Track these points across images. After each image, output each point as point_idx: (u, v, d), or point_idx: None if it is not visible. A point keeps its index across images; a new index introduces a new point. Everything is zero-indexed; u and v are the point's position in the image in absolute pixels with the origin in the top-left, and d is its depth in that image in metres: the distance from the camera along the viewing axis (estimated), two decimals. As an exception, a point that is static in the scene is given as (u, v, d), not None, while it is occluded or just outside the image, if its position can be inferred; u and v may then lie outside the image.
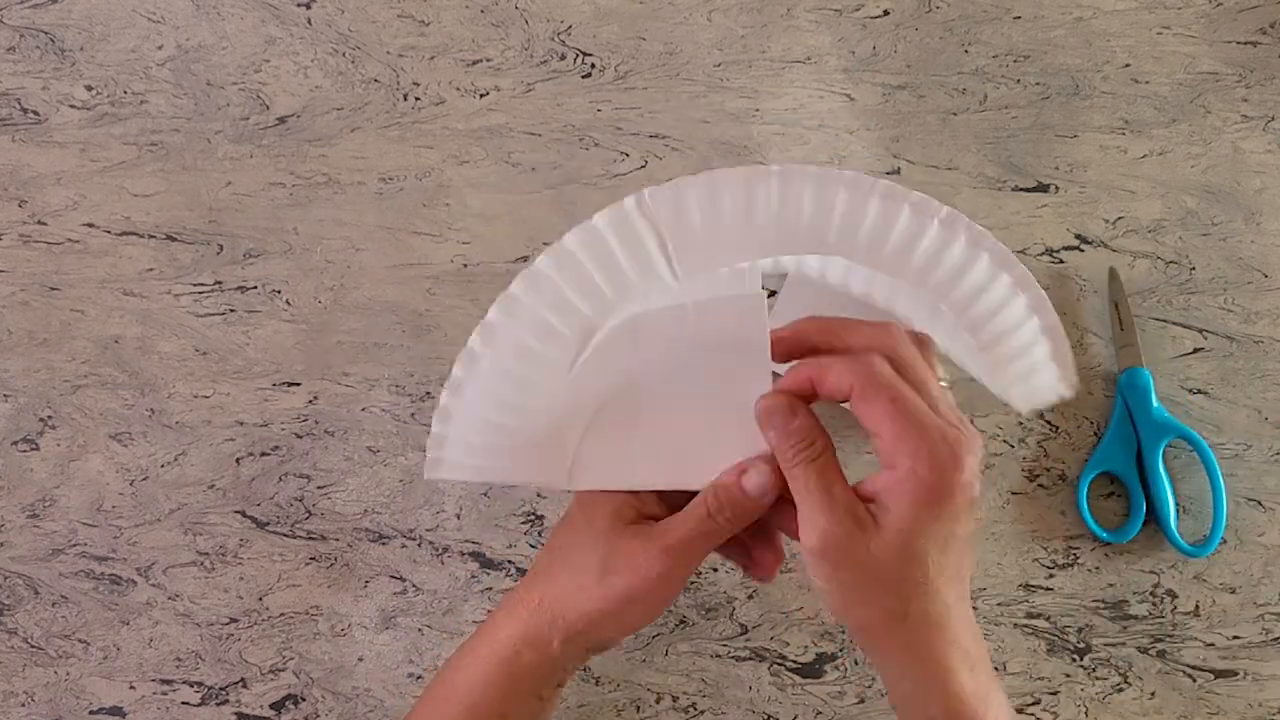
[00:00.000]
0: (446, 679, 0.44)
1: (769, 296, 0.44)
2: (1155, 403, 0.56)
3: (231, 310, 0.59)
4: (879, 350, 0.38)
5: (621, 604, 0.41)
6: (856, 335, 0.39)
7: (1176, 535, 0.54)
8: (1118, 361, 0.57)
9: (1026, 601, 0.55)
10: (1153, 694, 0.54)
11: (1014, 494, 0.56)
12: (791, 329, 0.40)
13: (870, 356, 0.38)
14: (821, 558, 0.38)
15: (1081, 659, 0.55)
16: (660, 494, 0.43)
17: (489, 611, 0.49)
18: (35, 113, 0.61)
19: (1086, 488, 0.55)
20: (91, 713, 0.55)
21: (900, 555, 0.37)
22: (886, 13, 0.62)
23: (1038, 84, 0.61)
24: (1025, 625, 0.55)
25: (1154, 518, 0.55)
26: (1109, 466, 0.56)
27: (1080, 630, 0.55)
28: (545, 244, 0.59)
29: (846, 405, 0.38)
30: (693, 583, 0.56)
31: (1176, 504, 0.55)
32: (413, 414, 0.57)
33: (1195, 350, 0.58)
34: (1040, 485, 0.56)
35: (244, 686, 0.54)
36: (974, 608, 0.55)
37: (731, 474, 0.41)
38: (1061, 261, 0.59)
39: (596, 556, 0.42)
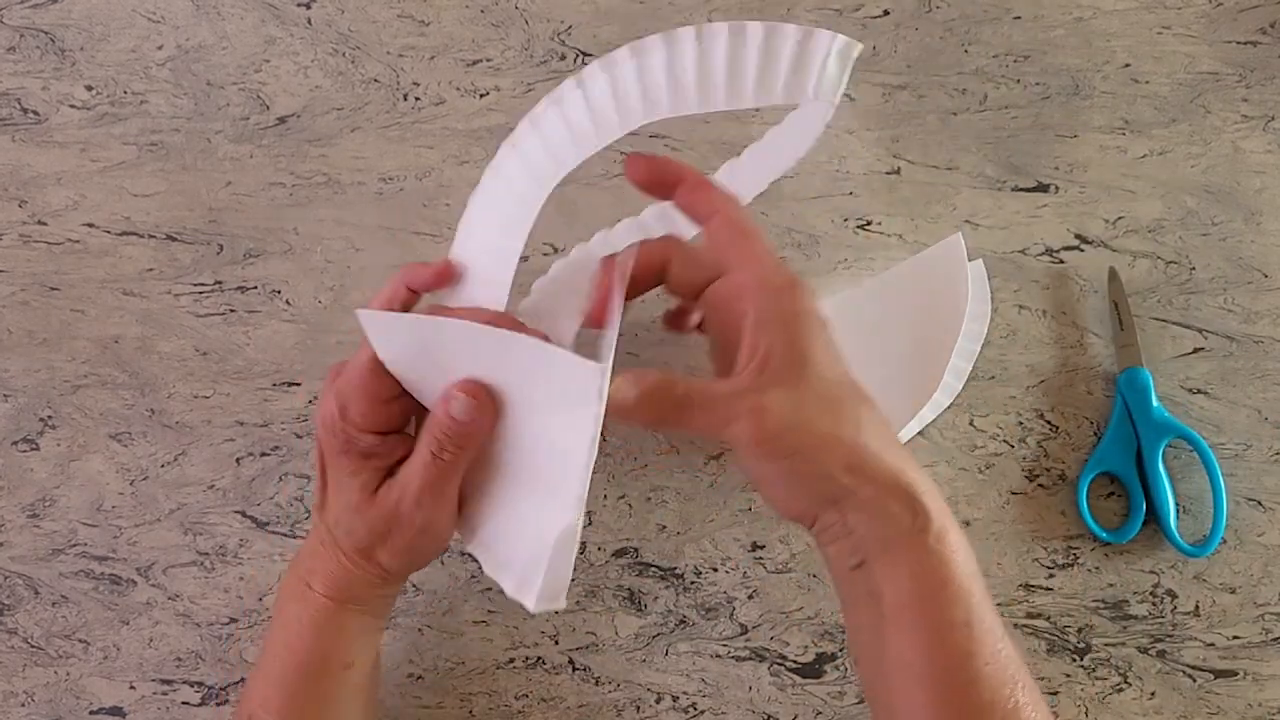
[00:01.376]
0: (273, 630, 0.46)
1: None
2: (1155, 403, 0.56)
3: (231, 310, 0.59)
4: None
5: (406, 557, 0.44)
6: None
7: (1176, 535, 0.54)
8: (1118, 361, 0.57)
9: (1026, 601, 0.55)
10: (1153, 694, 0.54)
11: (1014, 494, 0.56)
12: (641, 253, 0.43)
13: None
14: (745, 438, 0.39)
15: (1081, 659, 0.55)
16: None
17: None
18: (35, 113, 0.61)
19: (1086, 488, 0.55)
20: (91, 713, 0.55)
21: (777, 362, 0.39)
22: (886, 13, 0.62)
23: (1038, 84, 0.61)
24: (1025, 625, 0.55)
25: (1154, 517, 0.55)
26: (1109, 466, 0.56)
27: (1080, 630, 0.55)
28: (545, 244, 0.59)
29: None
30: (693, 582, 0.56)
31: (1176, 504, 0.55)
32: (413, 414, 0.57)
33: (1195, 350, 0.58)
34: (1040, 485, 0.56)
35: (244, 686, 0.54)
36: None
37: (439, 409, 0.41)
38: (1061, 261, 0.59)
39: (364, 531, 0.43)
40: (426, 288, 0.46)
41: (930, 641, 0.37)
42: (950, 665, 0.37)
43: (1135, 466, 0.56)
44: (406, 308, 0.46)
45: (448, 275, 0.46)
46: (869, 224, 0.59)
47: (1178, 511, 0.55)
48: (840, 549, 0.39)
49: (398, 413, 0.43)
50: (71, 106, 0.61)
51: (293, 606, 0.45)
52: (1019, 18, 0.61)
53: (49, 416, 0.58)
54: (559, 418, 0.40)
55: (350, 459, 0.43)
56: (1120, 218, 0.59)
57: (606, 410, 0.38)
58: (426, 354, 0.41)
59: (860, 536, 0.38)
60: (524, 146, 0.45)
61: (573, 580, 0.56)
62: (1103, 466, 0.56)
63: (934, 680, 0.37)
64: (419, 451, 0.42)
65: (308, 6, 0.62)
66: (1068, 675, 0.55)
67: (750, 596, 0.56)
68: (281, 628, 0.46)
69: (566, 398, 0.39)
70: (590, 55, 0.61)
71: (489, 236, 0.47)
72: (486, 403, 0.41)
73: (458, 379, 0.41)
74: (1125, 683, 0.54)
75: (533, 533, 0.42)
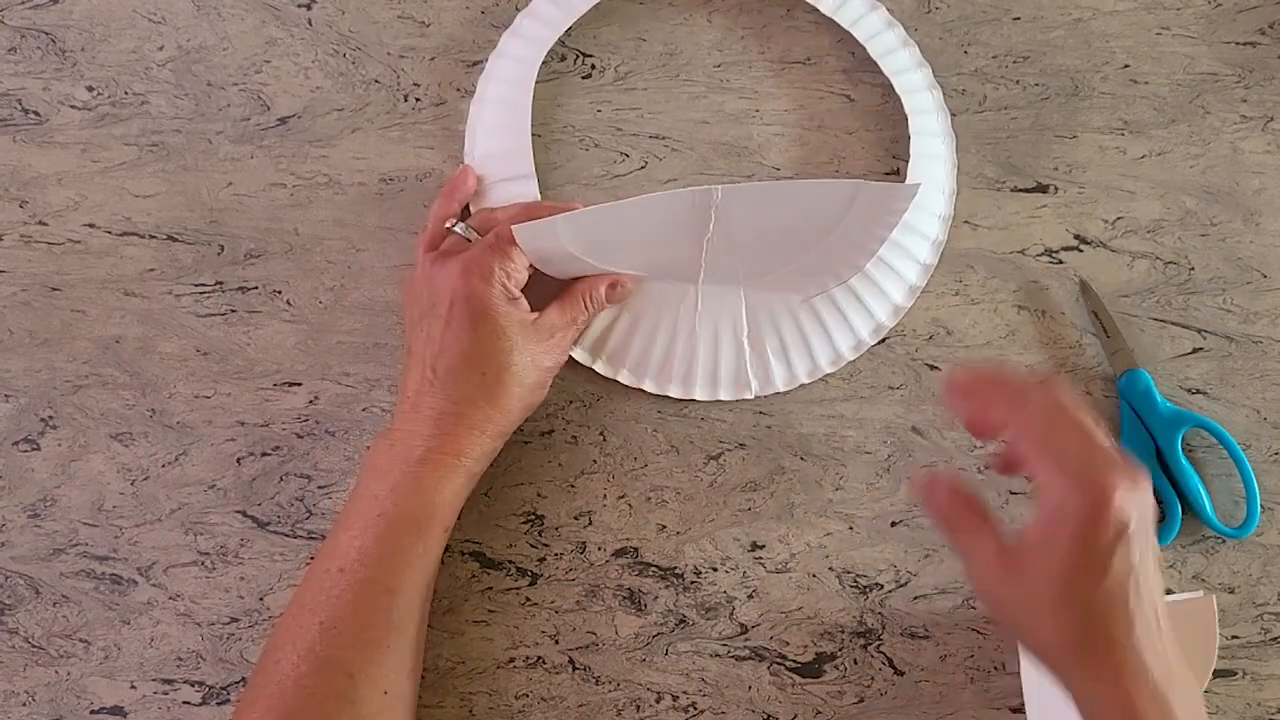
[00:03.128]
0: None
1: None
2: (1160, 399, 0.56)
3: (232, 310, 0.59)
4: (1036, 397, 0.40)
5: (530, 386, 0.53)
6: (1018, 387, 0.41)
7: (1215, 520, 0.54)
8: (1112, 367, 0.57)
9: (1026, 601, 0.55)
10: (1152, 693, 0.54)
11: (1013, 494, 0.57)
12: (967, 376, 0.42)
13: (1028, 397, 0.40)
14: (981, 599, 0.48)
15: (1081, 659, 0.55)
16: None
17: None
18: (36, 113, 0.61)
19: None
20: (92, 712, 0.55)
21: (1053, 590, 0.39)
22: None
23: (1037, 85, 0.61)
24: (1024, 625, 0.55)
25: (1189, 509, 0.55)
26: None
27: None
28: (545, 244, 0.59)
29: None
30: (693, 582, 0.56)
31: (1207, 491, 0.55)
32: (413, 414, 0.57)
33: (1194, 350, 0.58)
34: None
35: (245, 686, 0.54)
36: (972, 608, 0.55)
37: (599, 287, 0.55)
38: (1061, 262, 0.59)
39: (529, 354, 0.52)
40: (468, 195, 0.58)
41: None
42: None
43: (1158, 466, 0.55)
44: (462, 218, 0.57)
45: (471, 177, 0.58)
46: (868, 224, 0.59)
47: (1209, 498, 0.55)
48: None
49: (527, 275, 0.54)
50: (72, 107, 0.61)
51: (400, 468, 0.50)
52: (1018, 19, 0.61)
53: (50, 417, 0.58)
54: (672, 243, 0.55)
55: (511, 304, 0.52)
56: (1119, 218, 0.59)
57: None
58: (570, 243, 0.53)
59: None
60: (504, 50, 0.60)
61: (573, 580, 0.56)
62: None
63: None
64: (571, 299, 0.54)
65: (308, 7, 0.62)
66: (1067, 675, 0.55)
67: (750, 596, 0.56)
68: (382, 488, 0.50)
69: (680, 225, 0.54)
70: (590, 55, 0.61)
71: (499, 141, 0.59)
72: (629, 291, 0.56)
73: (595, 260, 0.54)
74: (1124, 682, 0.55)
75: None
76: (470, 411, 0.51)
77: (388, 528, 0.49)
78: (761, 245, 0.55)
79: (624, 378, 0.57)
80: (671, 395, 0.57)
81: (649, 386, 0.57)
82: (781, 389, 0.57)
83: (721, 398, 0.57)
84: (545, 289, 0.54)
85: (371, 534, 0.48)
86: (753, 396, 0.57)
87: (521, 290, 0.53)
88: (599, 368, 0.57)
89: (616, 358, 0.57)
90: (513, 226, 0.52)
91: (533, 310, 0.53)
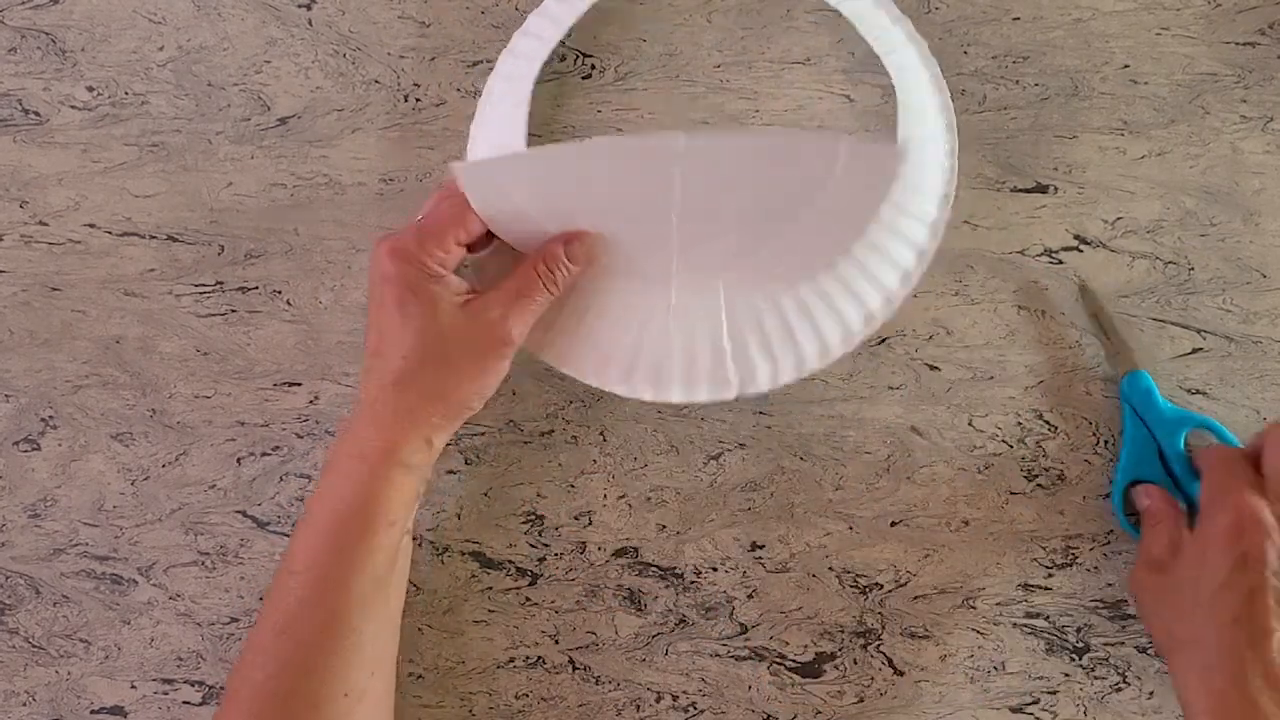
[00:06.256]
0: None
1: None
2: (1162, 400, 0.56)
3: (232, 310, 0.59)
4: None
5: (477, 385, 0.50)
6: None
7: None
8: (1112, 368, 0.57)
9: (1025, 601, 0.55)
10: (1151, 694, 0.54)
11: (1013, 494, 0.57)
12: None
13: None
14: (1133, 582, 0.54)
15: (1080, 658, 0.55)
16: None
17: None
18: (36, 113, 0.61)
19: (1121, 507, 0.55)
20: (93, 712, 0.55)
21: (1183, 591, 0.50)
22: (886, 14, 0.62)
23: (1036, 85, 0.61)
24: (1024, 625, 0.55)
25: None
26: (1137, 475, 0.55)
27: (1079, 630, 0.55)
28: (545, 244, 0.59)
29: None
30: (692, 582, 0.56)
31: None
32: (413, 414, 0.57)
33: (1194, 351, 0.58)
34: (1039, 485, 0.57)
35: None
36: (972, 607, 0.55)
37: (554, 250, 0.51)
38: (1060, 262, 0.59)
39: (458, 350, 0.49)
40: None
41: None
42: None
43: (1161, 466, 0.55)
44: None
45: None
46: (868, 225, 0.59)
47: None
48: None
49: (459, 255, 0.51)
50: (72, 107, 0.61)
51: (343, 464, 0.49)
52: (1018, 19, 0.61)
53: (50, 417, 0.58)
54: (639, 197, 0.50)
55: (434, 284, 0.49)
56: (1119, 218, 0.59)
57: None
58: (520, 193, 0.49)
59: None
60: (513, 47, 0.58)
61: (573, 580, 0.56)
62: (1130, 476, 0.55)
63: None
64: (524, 278, 0.50)
65: (308, 8, 0.62)
66: (1066, 675, 0.55)
67: (750, 596, 0.56)
68: (328, 488, 0.49)
69: (645, 179, 0.49)
70: (590, 56, 0.61)
71: (498, 138, 0.56)
72: (593, 251, 0.52)
73: (554, 223, 0.50)
74: (1124, 682, 0.55)
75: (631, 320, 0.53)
76: (404, 400, 0.49)
77: (332, 526, 0.48)
78: (738, 217, 0.51)
79: (615, 387, 0.54)
80: (645, 399, 0.54)
81: (622, 391, 0.54)
82: (765, 389, 0.54)
83: (701, 399, 0.54)
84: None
85: (319, 533, 0.48)
86: (734, 397, 0.54)
87: (476, 272, 0.51)
88: (589, 379, 0.54)
89: (599, 362, 0.54)
90: (453, 164, 0.50)
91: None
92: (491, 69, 0.60)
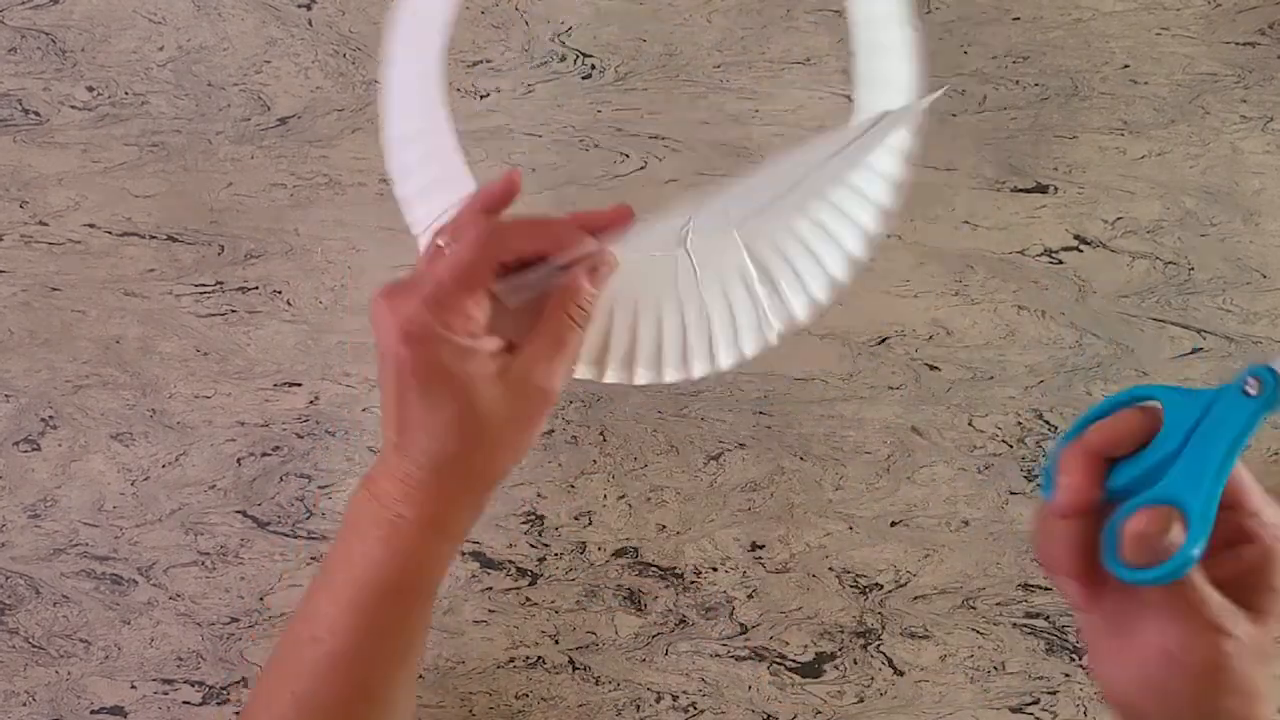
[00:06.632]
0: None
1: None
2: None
3: (232, 311, 0.59)
4: None
5: (514, 447, 0.44)
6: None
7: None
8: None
9: (1025, 601, 0.55)
10: (1151, 693, 0.54)
11: (1013, 494, 0.57)
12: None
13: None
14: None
15: (1080, 658, 0.55)
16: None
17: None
18: (36, 114, 0.61)
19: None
20: (93, 712, 0.55)
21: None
22: (886, 14, 0.62)
23: (1036, 85, 0.61)
24: (1024, 625, 0.55)
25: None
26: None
27: (1079, 630, 0.55)
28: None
29: None
30: (692, 582, 0.56)
31: None
32: (413, 414, 0.57)
33: (1194, 350, 0.58)
34: (1039, 485, 0.57)
35: (245, 686, 0.54)
36: (972, 608, 0.55)
37: (574, 280, 0.44)
38: (1061, 262, 0.59)
39: (504, 412, 0.43)
40: (502, 205, 0.46)
41: None
42: None
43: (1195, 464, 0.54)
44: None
45: (516, 185, 0.46)
46: (868, 225, 0.59)
47: None
48: None
49: (487, 308, 0.43)
50: (73, 107, 0.61)
51: (373, 530, 0.44)
52: (1018, 19, 0.61)
53: (50, 417, 0.58)
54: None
55: (465, 364, 0.42)
56: (1119, 218, 0.59)
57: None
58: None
59: None
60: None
61: (573, 580, 0.56)
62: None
63: None
64: (557, 325, 0.43)
65: (308, 8, 0.62)
66: (1067, 675, 0.55)
67: (750, 596, 0.56)
68: (360, 555, 0.44)
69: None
70: (590, 56, 0.61)
71: (409, 123, 0.48)
72: (614, 264, 0.45)
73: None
74: (1124, 682, 0.55)
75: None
76: (442, 479, 0.44)
77: (360, 596, 0.44)
78: (747, 197, 0.48)
79: (641, 377, 0.49)
80: (695, 376, 0.49)
81: (673, 376, 0.49)
82: (805, 320, 0.49)
83: (748, 354, 0.49)
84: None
85: (344, 601, 0.45)
86: (777, 340, 0.49)
87: (498, 319, 0.44)
88: (609, 378, 0.49)
89: (626, 358, 0.49)
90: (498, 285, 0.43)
91: (511, 341, 0.44)
92: (492, 69, 0.60)
